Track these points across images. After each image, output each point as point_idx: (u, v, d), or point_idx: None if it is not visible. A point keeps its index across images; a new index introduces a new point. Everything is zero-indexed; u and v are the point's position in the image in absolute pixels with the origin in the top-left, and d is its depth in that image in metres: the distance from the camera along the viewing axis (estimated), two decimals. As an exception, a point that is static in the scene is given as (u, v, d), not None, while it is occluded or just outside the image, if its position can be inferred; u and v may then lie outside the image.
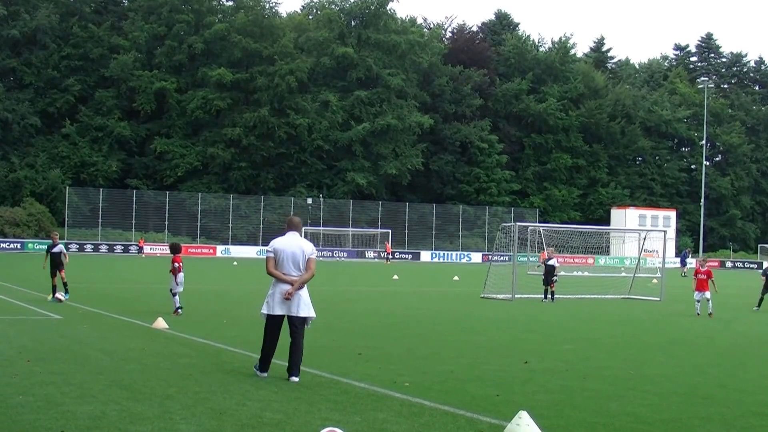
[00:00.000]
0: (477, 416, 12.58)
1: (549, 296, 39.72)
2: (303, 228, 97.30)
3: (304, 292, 15.25)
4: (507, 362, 18.63)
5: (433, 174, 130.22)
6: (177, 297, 27.02)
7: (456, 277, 61.00)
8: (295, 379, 14.94)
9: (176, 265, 26.79)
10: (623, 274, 64.07)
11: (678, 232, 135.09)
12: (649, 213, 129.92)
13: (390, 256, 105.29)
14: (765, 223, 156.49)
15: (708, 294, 33.13)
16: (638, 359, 19.89)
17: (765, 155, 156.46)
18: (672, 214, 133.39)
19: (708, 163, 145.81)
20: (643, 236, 51.81)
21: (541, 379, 16.17)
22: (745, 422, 12.95)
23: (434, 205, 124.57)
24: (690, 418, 13.09)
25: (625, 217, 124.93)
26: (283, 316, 15.18)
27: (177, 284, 26.85)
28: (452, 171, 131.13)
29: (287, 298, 14.94)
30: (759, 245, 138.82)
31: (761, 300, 37.42)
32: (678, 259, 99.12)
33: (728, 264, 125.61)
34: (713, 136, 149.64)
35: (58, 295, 30.69)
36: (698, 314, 32.80)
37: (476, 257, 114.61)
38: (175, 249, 27.54)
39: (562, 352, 20.91)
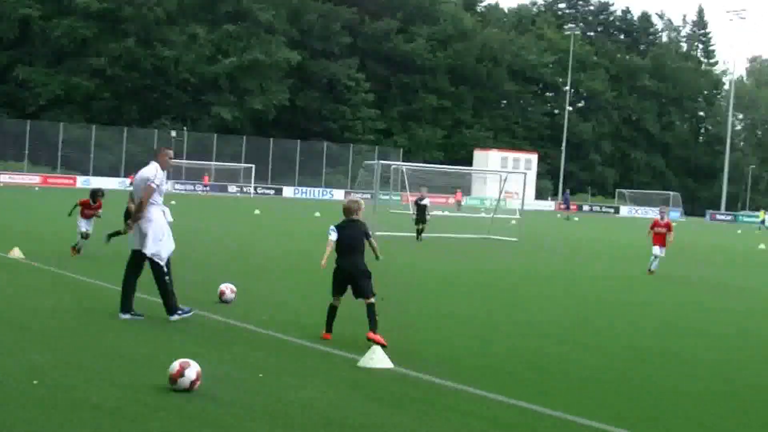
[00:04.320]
0: (332, 350, 12.81)
1: (421, 236, 39.93)
2: (170, 160, 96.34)
3: (151, 228, 14.39)
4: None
5: (299, 110, 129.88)
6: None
7: (317, 214, 61.14)
8: (171, 317, 14.51)
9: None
10: (483, 214, 64.91)
11: (539, 175, 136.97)
12: (511, 155, 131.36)
13: (206, 188, 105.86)
14: (624, 169, 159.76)
15: (659, 251, 29.54)
16: (493, 299, 20.37)
17: (627, 103, 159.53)
18: (533, 157, 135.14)
19: (571, 109, 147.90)
20: (504, 178, 52.48)
21: (396, 315, 16.44)
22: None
23: (299, 141, 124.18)
24: (507, 349, 13.52)
25: (488, 159, 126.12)
26: (139, 252, 14.56)
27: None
28: (318, 108, 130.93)
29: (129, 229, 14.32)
30: (617, 190, 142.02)
31: None
32: (552, 202, 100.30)
33: (585, 208, 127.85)
34: (577, 82, 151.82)
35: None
36: (652, 271, 29.30)
37: (339, 194, 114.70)
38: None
39: (420, 290, 21.26)
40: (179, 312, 14.55)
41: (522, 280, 25.79)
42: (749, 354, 15.32)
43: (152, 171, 14.59)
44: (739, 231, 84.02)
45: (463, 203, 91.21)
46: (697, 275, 30.85)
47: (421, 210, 40.43)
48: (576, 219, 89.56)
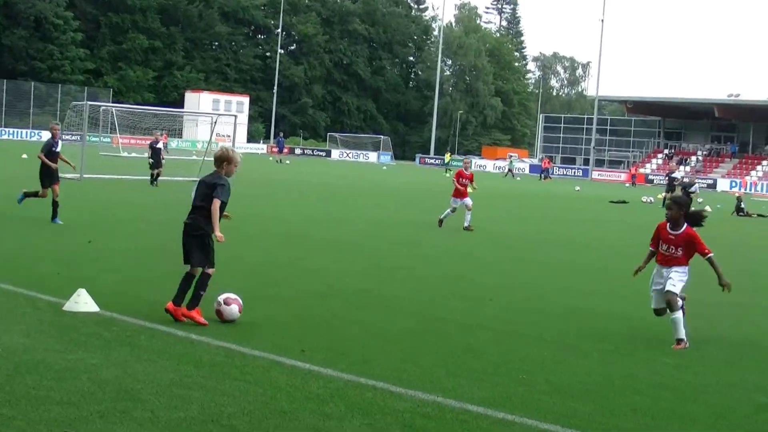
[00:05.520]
0: (37, 295, 12.56)
1: (156, 180, 39.45)
2: None
3: None
4: (72, 241, 18.60)
5: (5, 49, 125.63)
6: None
7: (24, 155, 59.44)
8: None
9: None
10: (194, 156, 64.58)
11: (250, 117, 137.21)
12: (222, 98, 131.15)
13: None
14: (335, 113, 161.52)
15: (469, 201, 28.36)
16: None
17: (338, 47, 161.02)
18: (245, 99, 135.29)
19: (282, 52, 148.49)
20: (214, 120, 52.35)
21: (105, 258, 16.30)
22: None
23: (5, 81, 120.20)
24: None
25: (199, 101, 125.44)
26: None
27: None
28: (25, 47, 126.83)
29: None
30: (328, 134, 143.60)
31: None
32: (265, 145, 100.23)
33: (298, 151, 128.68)
34: (289, 25, 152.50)
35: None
36: (441, 220, 28.50)
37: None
38: None
39: (126, 230, 21.08)
40: None
41: (234, 220, 25.82)
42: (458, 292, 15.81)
43: None
44: (447, 175, 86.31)
45: (171, 146, 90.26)
46: (416, 219, 31.61)
47: (156, 153, 40.20)
48: (288, 162, 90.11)
